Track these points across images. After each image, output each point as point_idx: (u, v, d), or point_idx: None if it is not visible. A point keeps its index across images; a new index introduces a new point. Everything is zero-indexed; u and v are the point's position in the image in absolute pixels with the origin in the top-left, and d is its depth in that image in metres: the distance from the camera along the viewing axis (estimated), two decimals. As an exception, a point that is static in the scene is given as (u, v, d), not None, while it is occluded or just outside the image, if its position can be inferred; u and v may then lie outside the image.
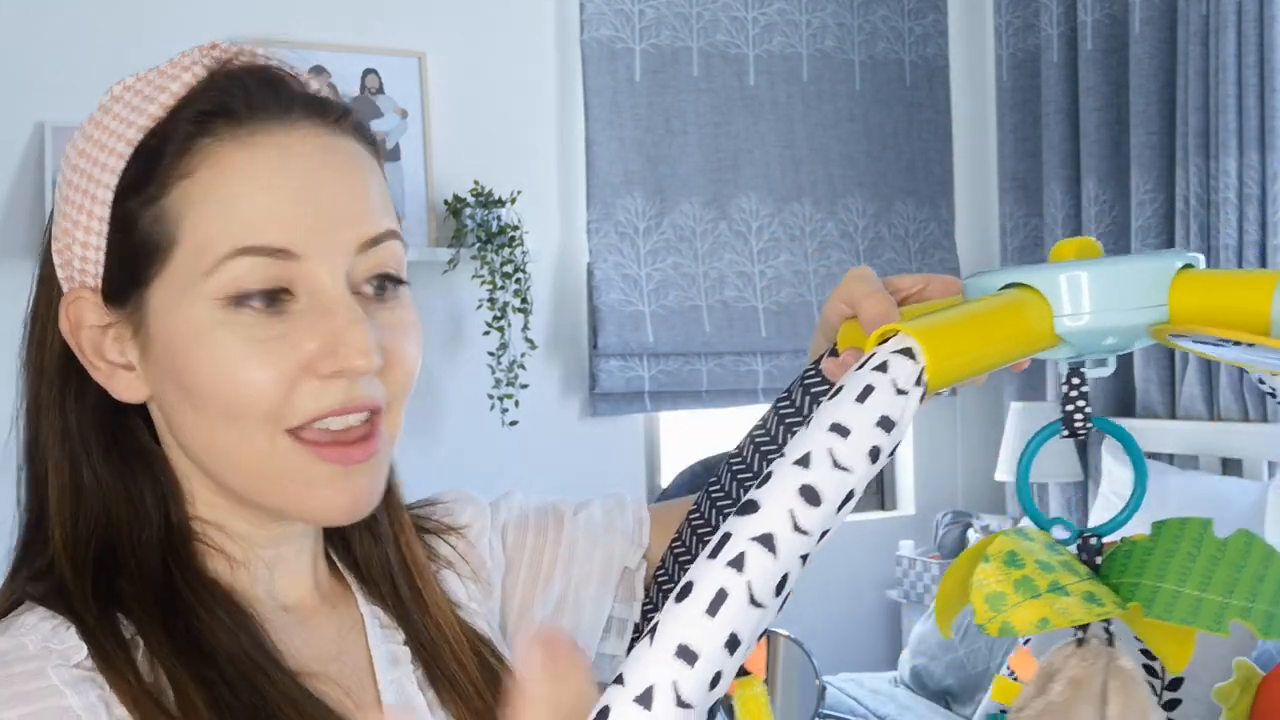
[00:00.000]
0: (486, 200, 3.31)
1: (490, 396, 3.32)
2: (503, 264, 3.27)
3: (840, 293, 0.75)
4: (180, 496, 0.78)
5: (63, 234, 0.76)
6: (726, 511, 0.84)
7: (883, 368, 0.44)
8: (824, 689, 2.19)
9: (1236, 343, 0.46)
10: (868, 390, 0.43)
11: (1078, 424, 0.51)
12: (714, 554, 0.39)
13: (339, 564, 0.87)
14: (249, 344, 0.71)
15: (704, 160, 3.68)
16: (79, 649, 0.69)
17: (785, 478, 0.41)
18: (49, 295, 0.78)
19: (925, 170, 4.01)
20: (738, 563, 0.39)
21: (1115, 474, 3.41)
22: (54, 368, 0.77)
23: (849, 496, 0.41)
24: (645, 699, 0.36)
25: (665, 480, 3.71)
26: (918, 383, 0.44)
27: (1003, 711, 0.52)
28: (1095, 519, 3.41)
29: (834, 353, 0.77)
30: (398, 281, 0.77)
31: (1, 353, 0.97)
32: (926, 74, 4.03)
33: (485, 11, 3.49)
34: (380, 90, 3.33)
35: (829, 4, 3.87)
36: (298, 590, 0.82)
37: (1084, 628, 0.48)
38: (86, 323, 0.75)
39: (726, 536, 0.40)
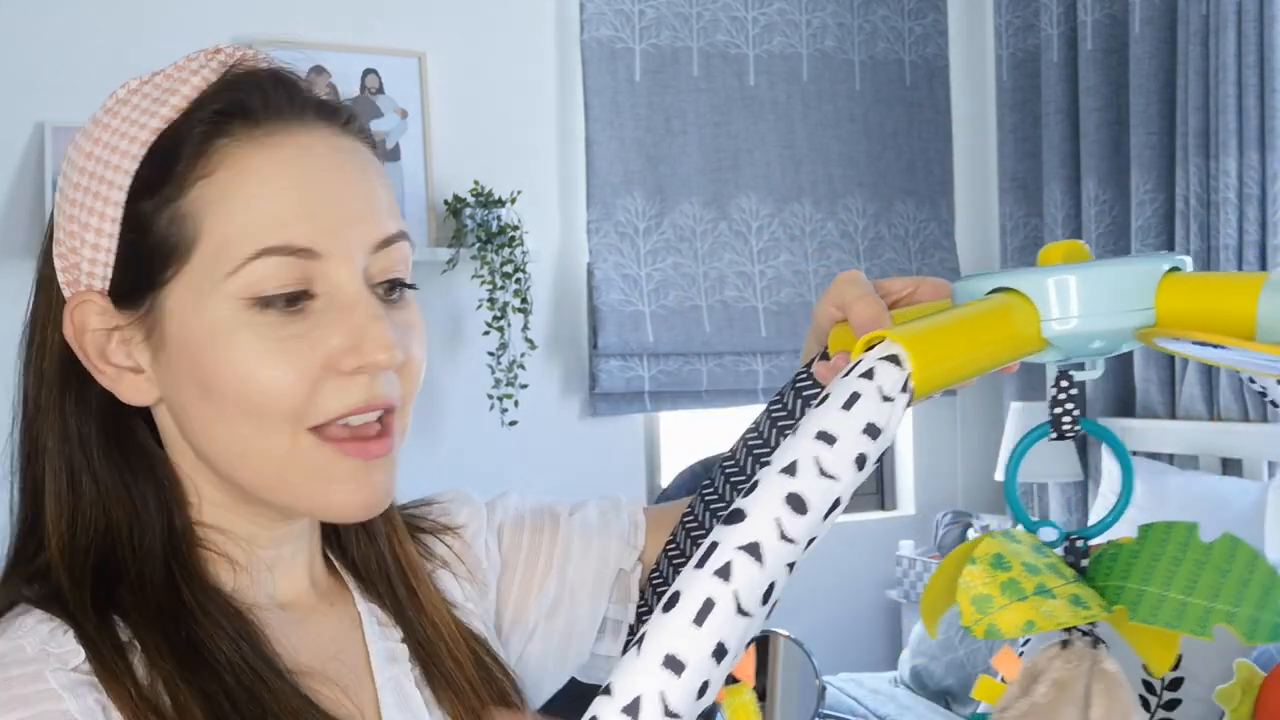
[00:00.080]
0: (486, 200, 3.31)
1: (490, 396, 3.32)
2: (503, 264, 3.28)
3: (831, 296, 0.76)
4: (183, 501, 0.78)
5: (68, 236, 0.75)
6: (720, 514, 0.84)
7: (869, 375, 0.44)
8: (824, 689, 2.19)
9: (1220, 345, 0.46)
10: (854, 398, 0.43)
11: (1066, 426, 0.51)
12: (701, 563, 0.39)
13: (336, 563, 0.87)
14: (271, 343, 0.72)
15: (704, 160, 3.68)
16: (76, 653, 0.69)
17: (772, 486, 0.41)
18: (49, 298, 0.77)
19: (925, 170, 4.01)
20: (724, 572, 0.39)
21: (1115, 474, 3.41)
22: (54, 371, 0.77)
23: (835, 504, 0.41)
24: (633, 709, 0.37)
25: (665, 480, 3.71)
26: (904, 389, 0.44)
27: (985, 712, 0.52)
28: (1095, 519, 3.41)
29: (825, 356, 0.78)
30: (406, 285, 0.78)
31: (1, 353, 0.97)
32: (926, 74, 4.03)
33: (485, 11, 3.49)
34: (380, 90, 3.33)
35: (829, 4, 3.87)
36: (295, 588, 0.83)
37: (1069, 629, 0.48)
38: (91, 326, 0.75)
39: (714, 545, 0.40)
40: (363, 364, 0.73)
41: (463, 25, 3.46)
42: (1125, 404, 3.63)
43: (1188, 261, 0.53)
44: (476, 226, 3.27)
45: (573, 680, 0.97)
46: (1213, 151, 3.27)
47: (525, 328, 3.34)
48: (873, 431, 0.43)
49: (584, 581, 0.95)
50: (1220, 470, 3.36)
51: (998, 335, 0.50)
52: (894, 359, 0.45)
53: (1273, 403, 0.62)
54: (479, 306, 3.30)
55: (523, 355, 3.36)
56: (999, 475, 3.67)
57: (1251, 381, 0.62)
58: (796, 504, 0.40)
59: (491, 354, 3.32)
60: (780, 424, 0.81)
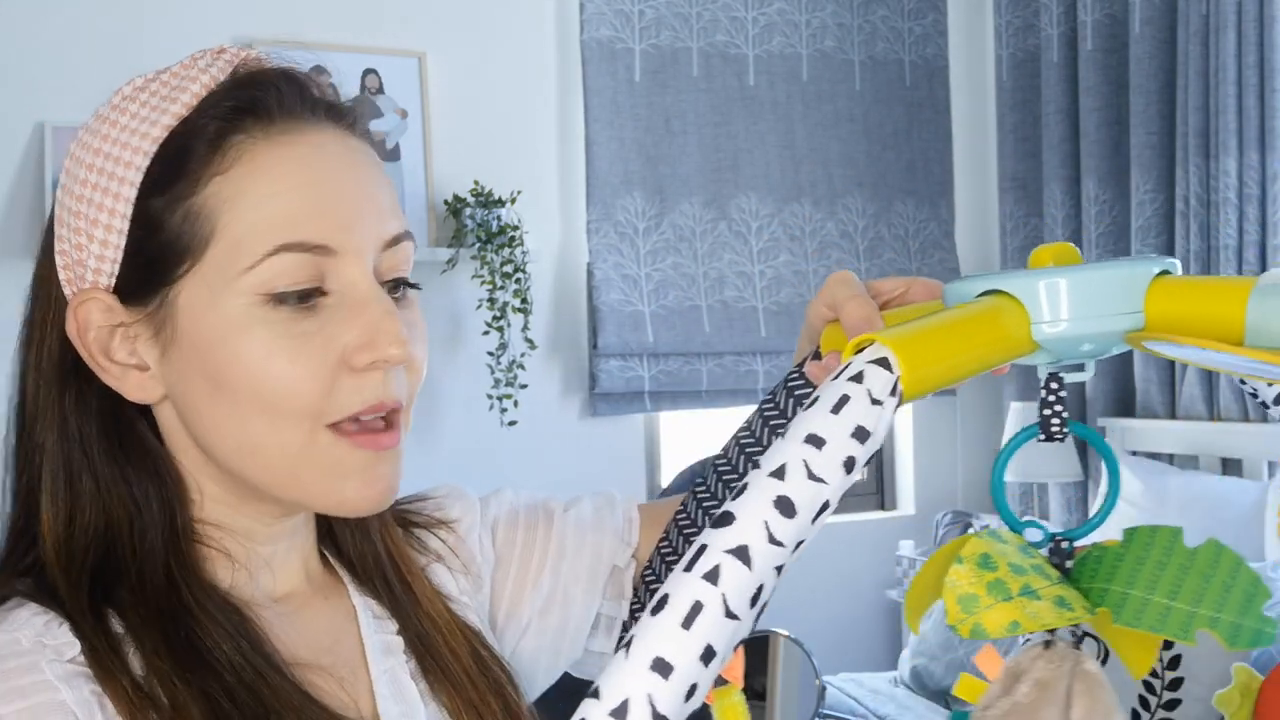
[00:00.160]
0: (486, 200, 3.31)
1: (489, 396, 3.32)
2: (503, 264, 3.28)
3: (823, 296, 0.76)
4: (185, 498, 0.78)
5: (73, 233, 0.75)
6: (713, 512, 0.85)
7: (858, 378, 0.44)
8: (824, 689, 2.19)
9: (1207, 349, 0.46)
10: (843, 401, 0.43)
11: (1054, 428, 0.51)
12: (689, 566, 0.39)
13: (330, 558, 0.87)
14: (286, 339, 0.72)
15: (704, 160, 3.68)
16: (72, 645, 0.70)
17: (760, 489, 0.41)
18: (48, 296, 0.78)
19: (925, 170, 4.01)
20: (713, 575, 0.39)
21: (1115, 474, 3.40)
22: (52, 370, 0.77)
23: (824, 507, 0.41)
24: (620, 712, 0.37)
25: (665, 480, 3.72)
26: (893, 393, 0.44)
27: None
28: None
29: (817, 356, 0.78)
30: (410, 285, 0.80)
31: (1, 353, 0.97)
32: (926, 74, 4.03)
33: (485, 11, 3.49)
34: (380, 90, 3.33)
35: (829, 4, 3.87)
36: (291, 583, 0.83)
37: (1052, 630, 0.49)
38: (95, 324, 0.75)
39: (702, 548, 0.40)
40: (376, 359, 0.73)
41: (463, 25, 3.46)
42: (1125, 404, 3.63)
43: (1177, 265, 0.54)
44: (476, 226, 3.28)
45: (566, 675, 0.98)
46: (1213, 151, 3.27)
47: (525, 328, 3.34)
48: (861, 435, 0.43)
49: (578, 578, 0.95)
50: (1220, 470, 3.36)
51: (987, 338, 0.50)
52: (883, 362, 0.45)
53: (1264, 404, 0.63)
54: (479, 306, 3.30)
55: (523, 355, 3.36)
56: (999, 475, 3.67)
57: (1243, 383, 0.63)
58: (785, 507, 0.40)
59: (491, 354, 3.32)
60: (773, 423, 0.82)
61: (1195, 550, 0.48)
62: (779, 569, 0.40)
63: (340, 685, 0.79)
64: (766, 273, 3.74)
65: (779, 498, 0.40)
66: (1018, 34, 3.97)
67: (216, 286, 0.73)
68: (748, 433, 0.84)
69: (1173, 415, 3.47)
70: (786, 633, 1.74)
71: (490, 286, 3.27)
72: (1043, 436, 0.52)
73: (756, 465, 0.42)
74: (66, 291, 0.76)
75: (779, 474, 0.41)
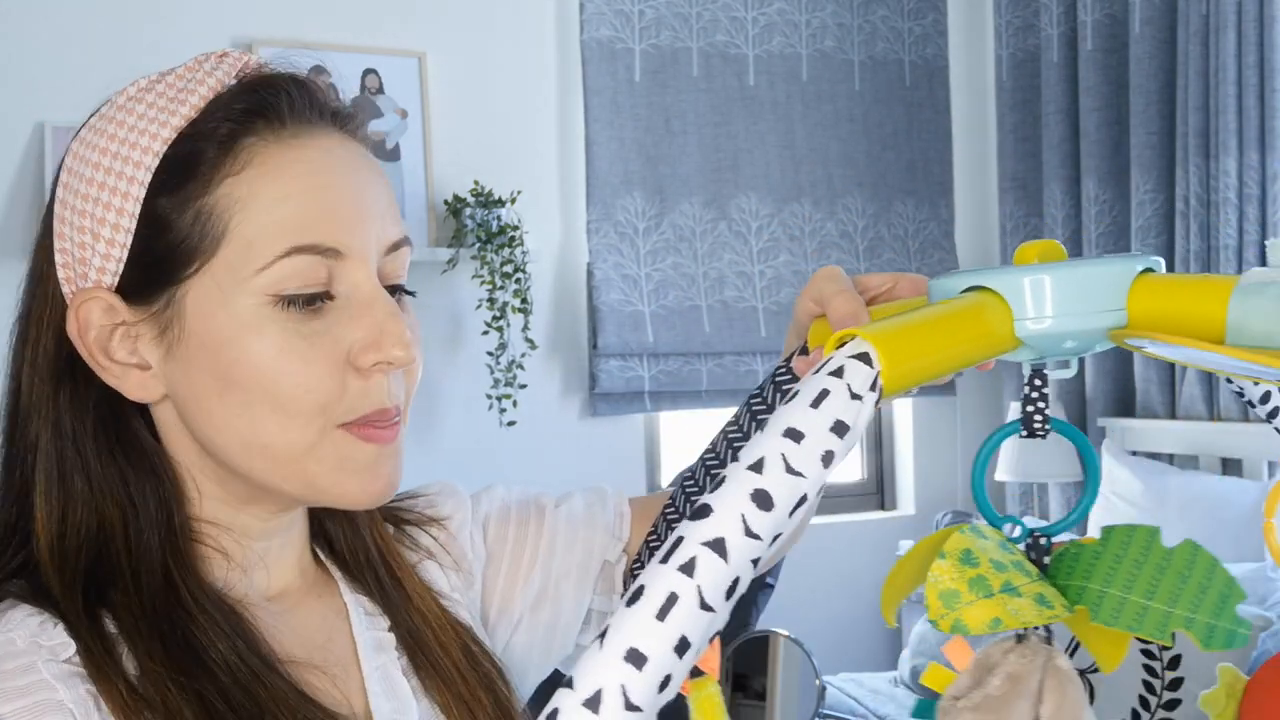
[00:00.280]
0: (486, 200, 3.31)
1: (489, 396, 3.33)
2: (503, 264, 3.28)
3: (810, 291, 0.77)
4: (182, 496, 0.79)
5: (76, 232, 0.75)
6: None
7: (838, 373, 0.44)
8: (824, 689, 2.19)
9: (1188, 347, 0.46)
10: (823, 395, 0.43)
11: (1037, 425, 0.52)
12: (666, 558, 0.39)
13: (322, 555, 0.88)
14: (297, 338, 0.73)
15: (704, 160, 3.68)
16: (67, 646, 0.70)
17: (738, 483, 0.41)
18: (45, 294, 0.78)
19: (925, 170, 4.01)
20: (688, 567, 0.39)
21: (1115, 474, 3.41)
22: (47, 367, 0.77)
23: (802, 501, 0.42)
24: (594, 702, 0.37)
25: (665, 480, 3.72)
26: (872, 388, 0.44)
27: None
28: (1094, 519, 3.41)
29: (805, 350, 0.78)
30: (407, 291, 0.81)
31: (1, 353, 0.97)
32: (926, 74, 4.03)
33: (485, 11, 3.49)
34: (380, 90, 3.33)
35: (829, 4, 3.87)
36: (284, 580, 0.84)
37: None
38: (95, 323, 0.75)
39: (679, 540, 0.40)
40: (381, 360, 0.75)
41: (463, 25, 3.46)
42: (1125, 404, 3.63)
43: (1161, 263, 0.54)
44: (476, 226, 3.28)
45: (557, 671, 0.98)
46: (1213, 151, 3.27)
47: (525, 328, 3.34)
48: (840, 429, 0.43)
49: (568, 573, 0.96)
50: (1220, 470, 3.36)
51: (970, 334, 0.50)
52: (864, 357, 0.45)
53: (1250, 404, 0.63)
54: (479, 306, 3.30)
55: (523, 355, 3.37)
56: (999, 475, 3.68)
57: (1229, 382, 0.63)
58: (762, 500, 0.40)
59: (491, 354, 3.32)
60: (759, 417, 0.82)
61: (1172, 551, 0.49)
62: (755, 562, 0.40)
63: (333, 683, 0.79)
64: (766, 273, 3.74)
65: (756, 491, 0.41)
66: (1018, 34, 3.97)
67: (227, 287, 0.73)
68: (735, 427, 0.85)
69: (1173, 415, 3.47)
70: (786, 633, 1.74)
71: (490, 286, 3.28)
72: (1024, 433, 0.52)
73: (736, 461, 0.42)
74: (65, 290, 0.77)
75: (757, 467, 0.41)
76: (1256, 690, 0.58)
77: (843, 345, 0.46)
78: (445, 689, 0.84)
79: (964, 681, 0.47)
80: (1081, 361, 3.70)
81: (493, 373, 3.33)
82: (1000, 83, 4.01)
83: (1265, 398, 0.62)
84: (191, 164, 0.74)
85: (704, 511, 0.40)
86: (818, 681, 1.79)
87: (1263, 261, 3.20)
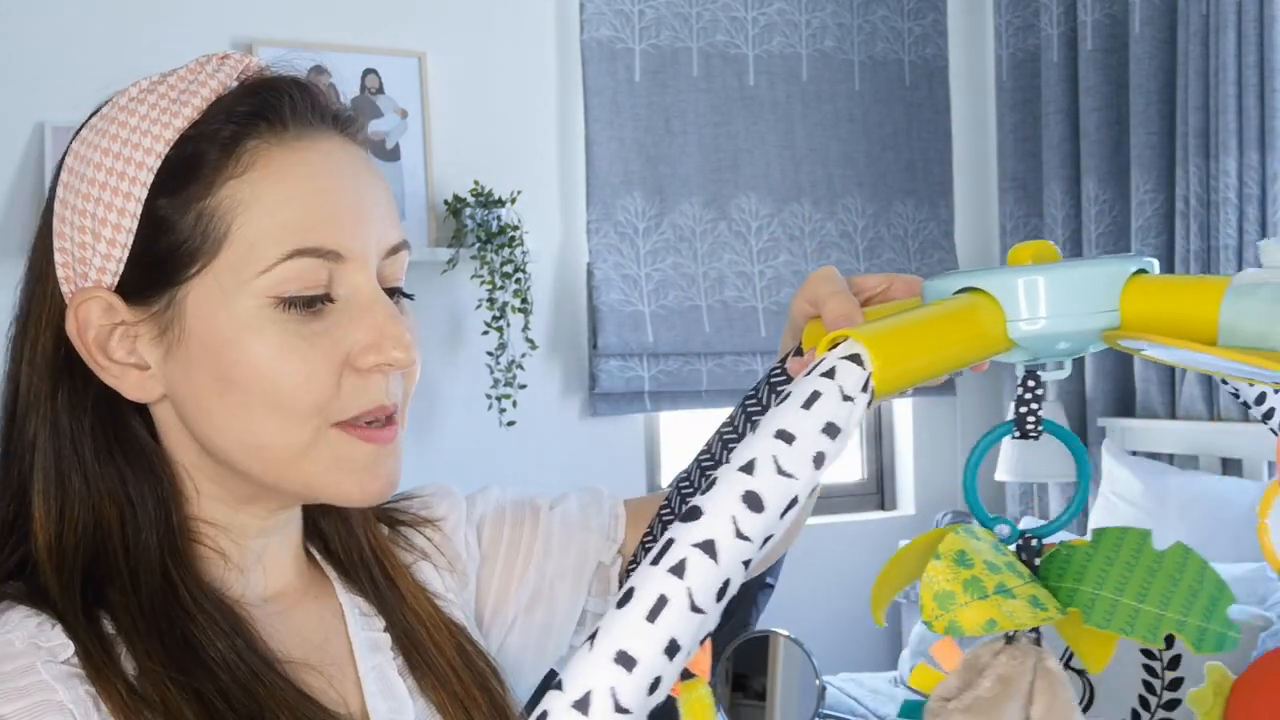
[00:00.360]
0: (486, 200, 3.31)
1: (489, 396, 3.33)
2: (503, 264, 3.28)
3: (805, 292, 0.77)
4: (181, 496, 0.79)
5: (76, 232, 0.76)
6: None
7: (830, 374, 0.44)
8: (824, 689, 2.19)
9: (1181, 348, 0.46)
10: (814, 396, 0.43)
11: (1029, 426, 0.52)
12: (656, 560, 0.39)
13: (317, 556, 0.88)
14: (297, 339, 0.74)
15: (704, 160, 3.68)
16: (65, 647, 0.70)
17: (729, 484, 0.41)
18: (44, 293, 0.78)
19: (925, 170, 4.00)
20: (679, 569, 0.39)
21: (1115, 474, 3.40)
22: (45, 366, 0.77)
23: (793, 502, 0.42)
24: (583, 704, 0.37)
25: (665, 481, 3.72)
26: (864, 389, 0.44)
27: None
28: (1095, 519, 3.41)
29: (800, 352, 0.78)
30: (405, 295, 0.82)
31: (1, 353, 0.97)
32: (926, 74, 4.02)
33: (485, 11, 3.49)
34: (380, 90, 3.33)
35: (829, 4, 3.86)
36: (280, 580, 0.84)
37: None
38: (95, 323, 0.75)
39: (670, 542, 0.40)
40: (381, 361, 0.75)
41: (463, 25, 3.46)
42: (1125, 404, 3.63)
43: (1155, 264, 0.54)
44: (476, 226, 3.28)
45: (553, 671, 0.98)
46: (1213, 151, 3.26)
47: (525, 328, 3.34)
48: (832, 431, 0.43)
49: (563, 575, 0.96)
50: (1220, 470, 3.36)
51: (963, 335, 0.50)
52: (855, 358, 0.45)
53: (1245, 404, 0.63)
54: (479, 306, 3.30)
55: (523, 355, 3.36)
56: (999, 475, 3.68)
57: (1224, 383, 0.63)
58: (753, 502, 0.40)
59: (491, 354, 3.32)
60: (754, 418, 0.83)
61: (1163, 553, 0.49)
62: (746, 563, 0.40)
63: (329, 683, 0.80)
64: (766, 273, 3.74)
65: (747, 493, 0.41)
66: (1018, 34, 3.97)
67: (229, 288, 0.74)
68: (730, 427, 0.85)
69: (1173, 415, 3.46)
70: (786, 633, 1.74)
71: (490, 286, 3.27)
72: (1017, 434, 0.52)
73: (727, 462, 0.42)
74: (65, 289, 0.77)
75: (748, 469, 0.41)
76: (1244, 689, 0.58)
77: (835, 346, 0.46)
78: (441, 688, 0.84)
79: (953, 683, 0.47)
80: (1081, 362, 3.69)
81: (492, 373, 3.33)
82: (1000, 83, 4.01)
83: (1261, 399, 0.62)
84: (194, 166, 0.74)
85: (695, 513, 0.40)
86: (818, 681, 1.79)
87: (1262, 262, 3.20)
